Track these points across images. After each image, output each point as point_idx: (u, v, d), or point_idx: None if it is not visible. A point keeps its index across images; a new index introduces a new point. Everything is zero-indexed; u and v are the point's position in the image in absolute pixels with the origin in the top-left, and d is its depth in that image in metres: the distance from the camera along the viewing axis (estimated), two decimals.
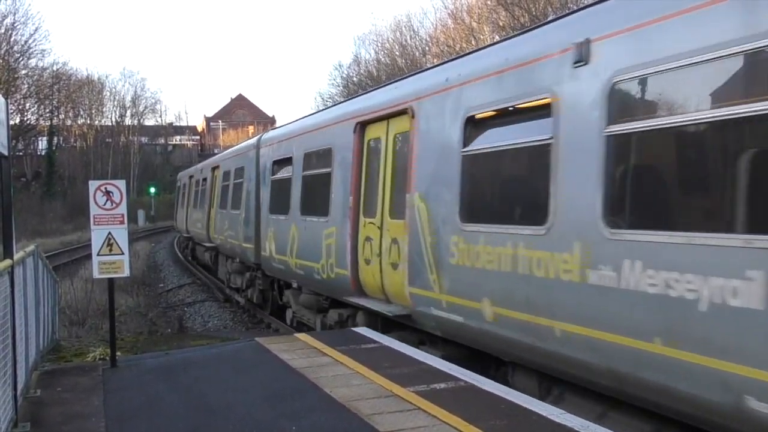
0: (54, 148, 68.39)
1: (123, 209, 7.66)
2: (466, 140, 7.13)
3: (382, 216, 9.11)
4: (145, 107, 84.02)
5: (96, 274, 7.68)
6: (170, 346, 12.37)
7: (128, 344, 13.70)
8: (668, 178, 5.11)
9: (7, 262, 5.43)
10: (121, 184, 7.86)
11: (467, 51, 8.68)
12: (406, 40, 47.94)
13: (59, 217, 52.36)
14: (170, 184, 63.65)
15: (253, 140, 16.79)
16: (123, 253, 7.64)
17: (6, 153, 5.45)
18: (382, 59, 49.98)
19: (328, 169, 10.77)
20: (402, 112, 8.62)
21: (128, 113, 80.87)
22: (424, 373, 6.61)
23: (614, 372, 5.16)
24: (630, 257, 4.97)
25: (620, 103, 5.23)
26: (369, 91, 11.24)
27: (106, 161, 73.22)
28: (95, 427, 5.50)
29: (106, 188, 7.63)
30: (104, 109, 79.12)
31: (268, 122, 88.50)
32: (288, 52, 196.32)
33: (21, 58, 55.53)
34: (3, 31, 52.65)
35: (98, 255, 7.58)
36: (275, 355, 7.61)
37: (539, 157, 6.05)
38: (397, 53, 48.10)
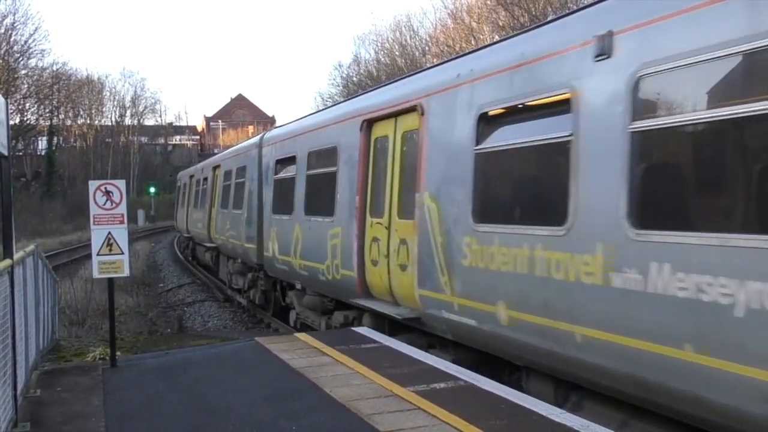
0: (54, 148, 68.37)
1: (123, 209, 7.66)
2: (479, 138, 6.91)
3: (389, 216, 8.91)
4: (145, 107, 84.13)
5: (96, 274, 7.68)
6: (170, 346, 12.37)
7: (128, 344, 13.69)
8: (700, 176, 4.85)
9: (7, 262, 5.42)
10: (121, 183, 7.87)
11: (479, 46, 8.41)
12: (406, 40, 47.99)
13: (59, 217, 52.36)
14: (170, 184, 63.66)
15: (256, 139, 16.58)
16: (123, 253, 7.64)
17: (6, 153, 5.45)
18: (382, 59, 50.02)
19: (333, 168, 10.55)
20: (411, 110, 8.39)
21: (128, 113, 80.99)
22: (424, 372, 6.61)
23: (640, 380, 4.93)
24: (658, 259, 4.73)
25: (646, 98, 5.00)
26: (376, 89, 10.95)
27: (106, 161, 73.21)
28: (95, 427, 5.50)
29: (106, 188, 7.64)
30: (104, 109, 79.24)
31: (267, 122, 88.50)
32: (288, 52, 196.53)
33: (21, 58, 55.58)
34: (3, 31, 52.69)
35: (98, 255, 7.58)
36: (275, 355, 7.61)
37: (558, 154, 5.84)
38: (397, 53, 48.12)
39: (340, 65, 75.85)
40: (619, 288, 5.04)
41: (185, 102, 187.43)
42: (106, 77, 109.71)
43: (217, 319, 18.44)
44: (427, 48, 45.33)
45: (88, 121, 75.80)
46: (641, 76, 4.97)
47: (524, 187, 6.72)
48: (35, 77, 59.49)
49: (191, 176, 29.09)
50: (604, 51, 5.31)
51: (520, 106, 6.46)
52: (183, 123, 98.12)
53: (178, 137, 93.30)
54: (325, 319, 11.26)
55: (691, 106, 4.71)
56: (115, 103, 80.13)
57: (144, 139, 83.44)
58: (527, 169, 6.72)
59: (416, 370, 6.72)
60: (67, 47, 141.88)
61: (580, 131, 5.53)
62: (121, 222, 7.66)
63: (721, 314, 4.29)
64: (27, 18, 65.28)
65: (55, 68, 63.58)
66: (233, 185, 18.19)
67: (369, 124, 9.58)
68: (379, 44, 50.79)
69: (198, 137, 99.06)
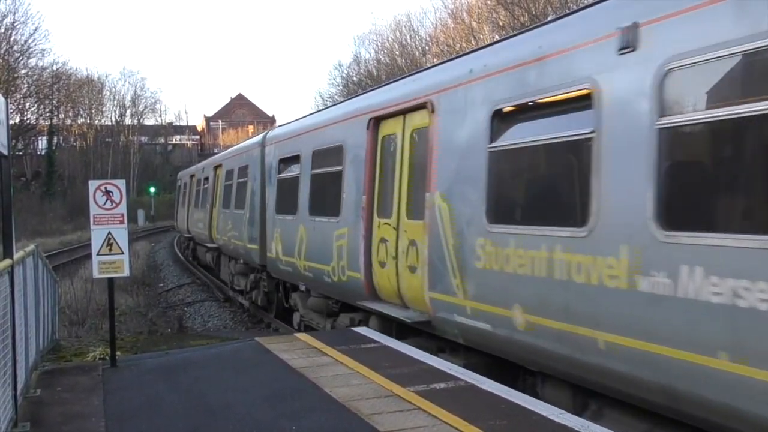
0: (54, 147, 68.38)
1: (123, 209, 7.67)
2: (494, 135, 6.66)
3: (398, 216, 8.66)
4: (145, 107, 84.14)
5: (96, 274, 7.69)
6: (170, 346, 12.35)
7: (128, 344, 13.70)
8: (736, 175, 4.56)
9: (7, 261, 5.42)
10: (121, 183, 7.87)
11: (493, 41, 8.07)
12: (406, 40, 48.01)
13: (59, 216, 52.38)
14: (170, 183, 63.70)
15: (258, 138, 16.39)
16: (123, 253, 7.68)
17: (6, 153, 5.44)
18: (382, 59, 50.04)
19: (338, 168, 10.32)
20: (420, 107, 8.16)
21: (128, 113, 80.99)
22: (424, 372, 6.60)
23: (668, 389, 4.70)
24: (689, 262, 4.48)
25: (676, 93, 4.75)
26: (383, 86, 10.64)
27: (106, 161, 73.22)
28: (95, 427, 5.50)
29: (105, 188, 7.64)
30: (104, 109, 79.26)
31: (268, 122, 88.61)
32: (288, 52, 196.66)
33: (21, 58, 55.55)
34: (3, 30, 52.65)
35: (98, 255, 7.59)
36: (275, 355, 7.60)
37: (579, 152, 5.60)
38: (397, 53, 48.13)
39: (340, 65, 75.90)
40: (647, 292, 4.79)
41: (185, 102, 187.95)
42: (106, 77, 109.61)
43: (217, 319, 18.44)
44: (427, 48, 45.37)
45: (88, 121, 75.84)
46: (670, 69, 4.73)
47: (542, 187, 6.44)
48: (35, 77, 59.53)
49: (192, 176, 28.92)
50: (628, 44, 5.08)
51: (537, 102, 6.21)
52: (183, 123, 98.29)
53: (178, 137, 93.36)
54: (331, 321, 11.06)
55: (725, 100, 4.45)
56: (115, 102, 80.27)
57: (144, 139, 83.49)
58: (545, 167, 6.45)
59: (416, 370, 6.72)
60: (67, 47, 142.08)
61: (602, 128, 5.29)
62: (121, 222, 7.66)
63: (760, 321, 4.06)
64: (27, 17, 65.07)
65: (55, 68, 63.67)
66: (235, 185, 17.98)
67: (376, 121, 9.35)
68: (379, 44, 50.88)
69: (198, 137, 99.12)
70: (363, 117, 9.65)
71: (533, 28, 7.01)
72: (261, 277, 15.82)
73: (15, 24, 53.63)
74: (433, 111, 7.78)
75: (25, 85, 58.41)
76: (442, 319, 7.48)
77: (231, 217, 18.19)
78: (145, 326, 16.61)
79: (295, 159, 12.61)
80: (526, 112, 6.41)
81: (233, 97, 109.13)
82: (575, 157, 5.76)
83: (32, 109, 62.45)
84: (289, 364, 7.16)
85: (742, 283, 4.16)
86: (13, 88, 52.70)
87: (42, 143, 69.88)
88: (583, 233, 5.40)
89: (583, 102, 5.51)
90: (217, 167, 21.82)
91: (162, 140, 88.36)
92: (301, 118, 14.13)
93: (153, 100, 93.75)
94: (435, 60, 35.06)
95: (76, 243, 36.21)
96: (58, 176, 66.19)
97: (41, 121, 65.52)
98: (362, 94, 11.59)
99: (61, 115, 71.66)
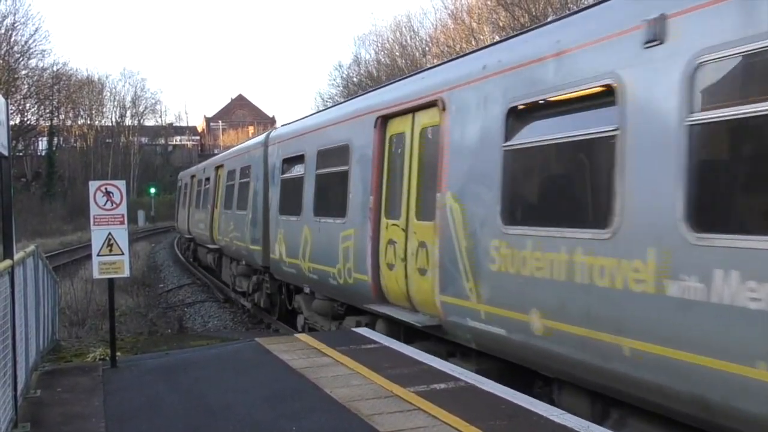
0: (54, 148, 68.38)
1: (123, 209, 7.68)
2: (509, 133, 6.43)
3: (407, 217, 8.45)
4: (145, 107, 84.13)
5: (96, 275, 7.71)
6: (170, 347, 12.37)
7: (128, 344, 13.72)
8: None
9: (7, 262, 5.43)
10: (121, 184, 7.89)
11: (507, 36, 7.85)
12: (406, 41, 48.00)
13: (59, 217, 52.40)
14: (170, 184, 63.74)
15: (261, 138, 16.26)
16: (123, 254, 7.69)
17: (6, 153, 5.45)
18: (382, 59, 50.04)
19: (344, 167, 10.10)
20: (430, 104, 7.94)
21: (128, 113, 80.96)
22: (424, 373, 6.61)
23: (701, 399, 4.46)
24: (723, 266, 4.25)
25: (707, 88, 4.53)
26: (390, 84, 10.41)
27: (106, 161, 73.22)
28: (95, 428, 5.51)
29: (106, 188, 7.65)
30: (104, 110, 79.22)
31: (268, 122, 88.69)
32: (288, 53, 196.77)
33: (21, 59, 55.53)
34: (3, 31, 52.62)
35: (98, 255, 7.60)
36: (275, 356, 7.61)
37: (601, 150, 5.40)
38: (397, 53, 48.13)
39: (340, 66, 75.81)
40: (676, 297, 4.56)
41: (185, 102, 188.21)
42: (107, 77, 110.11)
43: (217, 320, 18.44)
44: (427, 48, 45.36)
45: (89, 122, 75.83)
46: (701, 63, 4.51)
47: (561, 187, 6.20)
48: (35, 77, 59.52)
49: (193, 176, 28.82)
50: (655, 36, 4.85)
51: (555, 99, 5.97)
52: (183, 123, 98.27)
53: (178, 138, 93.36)
54: (336, 324, 10.90)
55: (761, 95, 4.23)
56: (116, 103, 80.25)
57: (144, 140, 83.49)
58: (564, 167, 6.21)
59: (416, 370, 6.72)
60: (67, 48, 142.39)
61: (627, 125, 5.07)
62: (122, 222, 7.67)
63: None
64: (27, 18, 65.64)
65: (55, 69, 63.63)
66: (237, 185, 17.83)
67: (384, 120, 9.14)
68: (379, 45, 50.87)
69: (198, 138, 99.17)
70: (370, 116, 9.45)
71: (550, 23, 6.78)
72: (264, 279, 15.67)
73: (15, 25, 53.67)
74: (444, 109, 7.57)
75: (26, 86, 58.46)
76: (454, 323, 7.28)
77: (233, 217, 18.03)
78: (145, 327, 16.60)
79: (299, 159, 12.40)
80: (544, 109, 6.19)
81: (233, 97, 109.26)
82: (597, 156, 5.57)
83: (32, 109, 62.53)
84: (289, 364, 7.16)
85: None
86: (13, 89, 52.70)
87: (42, 144, 69.94)
88: (606, 235, 5.19)
89: (606, 98, 5.31)
90: (218, 167, 21.69)
91: (162, 141, 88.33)
92: (305, 117, 13.98)
93: (153, 101, 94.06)
94: (435, 61, 35.06)
95: (77, 244, 36.24)
96: (58, 177, 66.20)
97: (41, 122, 65.53)
98: (368, 92, 11.36)
99: (62, 116, 71.70)
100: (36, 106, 62.70)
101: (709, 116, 4.48)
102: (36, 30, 67.39)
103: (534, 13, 29.86)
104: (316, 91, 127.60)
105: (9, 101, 8.31)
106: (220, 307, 20.03)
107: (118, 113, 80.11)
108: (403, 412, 5.46)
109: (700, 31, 4.56)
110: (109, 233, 7.60)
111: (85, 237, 34.91)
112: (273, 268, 13.94)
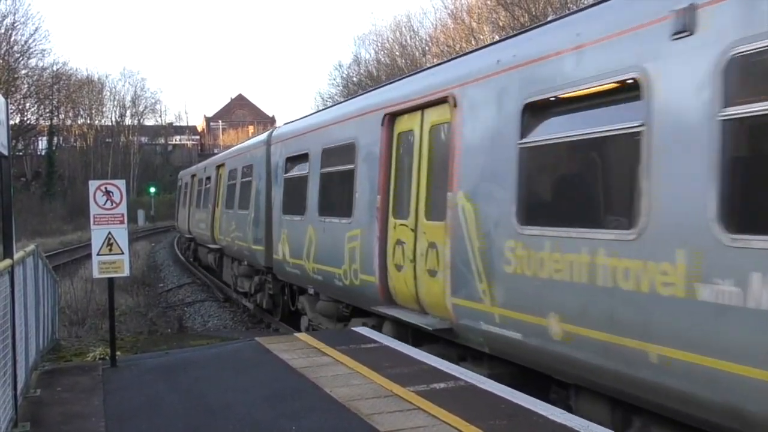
0: (54, 148, 68.39)
1: (123, 209, 7.67)
2: (524, 130, 6.18)
3: (416, 217, 8.21)
4: (145, 107, 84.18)
5: (96, 274, 7.69)
6: (170, 346, 12.35)
7: (128, 344, 13.69)
8: None
9: (7, 262, 5.42)
10: (121, 183, 7.87)
11: (523, 29, 7.48)
12: (406, 40, 47.99)
13: (59, 217, 52.39)
14: (170, 184, 63.76)
15: (263, 136, 15.99)
16: (123, 253, 7.65)
17: (6, 153, 5.44)
18: (382, 59, 50.03)
19: (350, 166, 9.88)
20: (440, 101, 7.68)
21: (128, 113, 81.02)
22: (424, 372, 6.60)
23: (737, 410, 4.23)
24: (761, 269, 4.01)
25: (742, 81, 4.29)
26: (398, 80, 10.17)
27: (106, 161, 73.24)
28: (95, 427, 5.49)
29: (106, 188, 7.64)
30: (104, 109, 79.29)
31: (267, 122, 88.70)
32: (288, 52, 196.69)
33: (21, 58, 55.55)
34: (3, 31, 52.65)
35: (98, 255, 7.58)
36: (275, 355, 7.60)
37: (626, 147, 5.16)
38: (397, 53, 48.12)
39: (340, 65, 75.92)
40: (709, 302, 4.32)
41: (185, 102, 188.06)
42: (106, 77, 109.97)
43: (217, 319, 18.41)
44: (427, 48, 45.35)
45: (88, 121, 75.85)
46: (735, 54, 4.27)
47: (581, 185, 5.92)
48: (35, 77, 59.56)
49: (193, 176, 28.58)
50: (684, 27, 4.61)
51: (574, 94, 5.70)
52: (183, 123, 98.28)
53: (178, 137, 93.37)
54: (341, 326, 10.72)
55: None
56: (115, 103, 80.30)
57: (144, 139, 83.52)
58: (584, 165, 5.93)
59: (416, 370, 6.71)
60: (67, 47, 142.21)
61: (653, 120, 4.83)
62: (121, 222, 7.66)
63: None
64: (27, 18, 65.37)
65: (55, 68, 63.69)
66: (239, 184, 17.61)
67: (391, 117, 8.91)
68: (379, 44, 50.86)
69: (198, 137, 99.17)
70: (377, 113, 9.21)
71: (568, 16, 6.48)
72: (266, 280, 15.51)
73: (15, 24, 53.71)
74: (455, 105, 7.32)
75: (26, 86, 58.49)
76: (466, 326, 7.05)
77: (235, 217, 17.82)
78: (145, 326, 16.58)
79: (303, 157, 12.18)
80: (563, 105, 5.94)
81: (233, 97, 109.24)
82: (620, 153, 5.36)
83: (32, 109, 62.59)
84: (289, 364, 7.16)
85: None
86: (13, 89, 52.71)
87: (42, 143, 69.93)
88: (631, 236, 4.95)
89: (631, 93, 5.08)
90: (219, 166, 21.45)
91: (162, 140, 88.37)
92: (310, 115, 13.76)
93: (153, 101, 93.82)
94: (435, 60, 35.05)
95: (76, 243, 36.20)
96: (58, 176, 66.22)
97: (41, 122, 65.55)
98: (375, 89, 11.03)
99: (61, 116, 71.71)
100: (36, 105, 62.82)
101: (745, 111, 4.25)
102: (36, 29, 67.70)
103: (534, 13, 29.85)
104: (316, 91, 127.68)
105: (9, 101, 8.31)
106: (220, 307, 20.00)
107: (117, 113, 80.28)
108: (403, 411, 5.45)
109: (733, 22, 4.34)
110: (109, 233, 7.59)
111: (85, 236, 34.91)
112: (276, 269, 13.74)
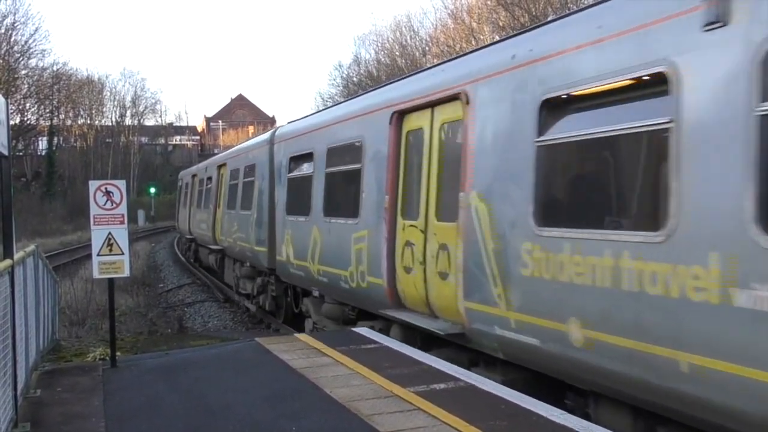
0: (54, 148, 68.40)
1: (123, 209, 7.66)
2: (542, 128, 5.95)
3: (426, 218, 7.98)
4: (145, 107, 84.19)
5: (96, 274, 7.69)
6: (170, 347, 12.34)
7: (128, 344, 13.69)
8: None
9: (7, 262, 5.42)
10: (121, 184, 7.87)
11: (540, 23, 7.29)
12: (406, 40, 48.00)
13: (59, 217, 52.41)
14: (170, 184, 63.76)
15: (266, 135, 15.76)
16: (123, 253, 7.64)
17: (6, 153, 5.44)
18: (382, 59, 50.03)
19: (357, 165, 9.64)
20: (452, 98, 7.45)
21: (128, 113, 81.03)
22: (424, 373, 6.60)
23: None
24: None
25: None
26: (406, 77, 9.87)
27: (106, 161, 73.25)
28: (95, 427, 5.49)
29: (106, 188, 7.64)
30: (104, 109, 79.28)
31: (268, 122, 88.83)
32: (288, 53, 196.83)
33: (21, 58, 55.53)
34: (3, 31, 52.63)
35: (98, 255, 7.58)
36: (275, 356, 7.60)
37: (653, 145, 4.95)
38: (397, 53, 48.13)
39: (340, 65, 75.86)
40: (746, 308, 4.09)
41: (185, 102, 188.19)
42: (107, 77, 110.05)
43: (217, 320, 18.40)
44: (427, 48, 45.36)
45: (89, 121, 75.86)
46: None
47: (603, 185, 5.69)
48: (35, 77, 59.54)
49: (194, 176, 28.44)
50: (717, 18, 4.37)
51: (596, 89, 5.45)
52: (183, 123, 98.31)
53: (178, 137, 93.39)
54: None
55: None
56: (116, 103, 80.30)
57: (144, 140, 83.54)
58: (607, 163, 5.67)
59: (416, 370, 6.71)
60: (67, 47, 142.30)
61: (683, 116, 4.59)
62: (122, 222, 7.66)
63: None
64: (27, 18, 65.40)
65: (55, 68, 63.67)
66: (241, 184, 17.41)
67: (400, 115, 8.66)
68: (379, 44, 50.87)
69: (198, 137, 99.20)
70: (385, 111, 8.96)
71: (588, 8, 6.14)
72: (269, 281, 15.28)
73: (15, 24, 53.69)
74: (468, 102, 7.08)
75: (26, 86, 58.47)
76: (479, 331, 6.83)
77: (237, 218, 17.61)
78: (145, 326, 16.57)
79: (307, 157, 11.93)
80: (584, 100, 5.68)
81: (233, 97, 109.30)
82: (648, 151, 5.12)
83: (32, 109, 62.56)
84: (289, 364, 7.16)
85: None
86: (13, 89, 52.70)
87: (42, 144, 69.95)
88: (659, 238, 4.72)
89: (658, 87, 4.83)
90: (221, 166, 21.28)
91: (162, 141, 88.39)
92: (314, 113, 13.55)
93: (153, 101, 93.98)
94: (435, 60, 35.05)
95: (77, 243, 36.23)
96: (58, 177, 66.23)
97: (41, 122, 65.55)
98: (382, 86, 10.75)
99: (62, 116, 71.71)
100: (36, 105, 62.80)
101: None
102: (36, 30, 67.53)
103: (534, 13, 29.85)
104: (316, 91, 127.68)
105: (9, 101, 8.30)
106: (220, 307, 20.00)
107: (118, 113, 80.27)
108: (403, 412, 5.45)
109: None
110: (109, 233, 7.59)
111: (85, 237, 34.92)
112: (279, 270, 13.53)
